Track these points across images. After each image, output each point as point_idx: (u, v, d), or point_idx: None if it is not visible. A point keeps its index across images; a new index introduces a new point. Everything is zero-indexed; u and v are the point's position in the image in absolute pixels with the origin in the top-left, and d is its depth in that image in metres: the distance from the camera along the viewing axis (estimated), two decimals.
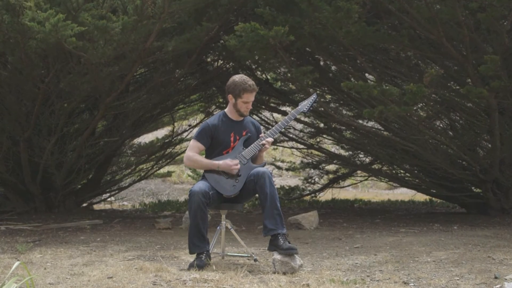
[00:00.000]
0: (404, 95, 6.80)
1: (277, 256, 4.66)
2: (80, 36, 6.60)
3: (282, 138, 11.24)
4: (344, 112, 9.72)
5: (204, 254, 4.82)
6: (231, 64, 9.70)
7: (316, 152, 11.68)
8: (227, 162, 4.91)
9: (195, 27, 7.48)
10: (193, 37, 7.47)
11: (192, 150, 5.01)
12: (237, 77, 5.03)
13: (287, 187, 12.52)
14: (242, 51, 7.18)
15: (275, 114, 11.08)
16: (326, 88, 9.29)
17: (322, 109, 8.31)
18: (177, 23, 7.46)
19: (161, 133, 12.75)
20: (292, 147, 11.88)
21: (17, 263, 3.22)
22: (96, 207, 11.09)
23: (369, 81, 8.21)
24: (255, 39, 6.95)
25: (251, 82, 5.00)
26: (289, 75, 7.80)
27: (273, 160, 13.88)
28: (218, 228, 5.07)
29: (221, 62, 9.84)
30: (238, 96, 4.98)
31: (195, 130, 9.91)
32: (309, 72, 7.33)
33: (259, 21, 7.24)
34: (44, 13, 6.29)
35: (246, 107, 5.03)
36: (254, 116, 10.37)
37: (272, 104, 10.58)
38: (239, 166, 4.90)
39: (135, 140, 11.36)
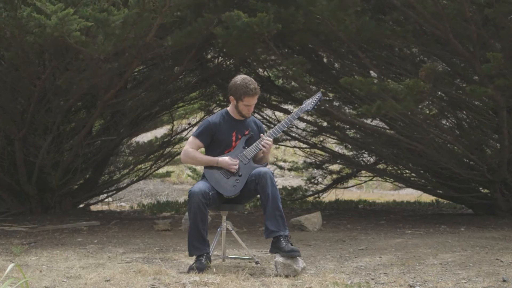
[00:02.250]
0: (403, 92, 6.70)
1: (279, 258, 4.61)
2: (83, 31, 6.55)
3: (284, 137, 11.18)
4: (348, 110, 9.61)
5: (204, 257, 4.76)
6: (231, 61, 9.61)
7: (319, 152, 11.64)
8: (226, 160, 4.84)
9: (195, 19, 7.40)
10: (194, 31, 7.39)
11: (190, 147, 4.95)
12: (239, 79, 4.93)
13: (289, 188, 12.47)
14: (230, 41, 7.10)
15: (277, 113, 11.01)
16: (329, 86, 9.20)
17: (327, 105, 8.21)
18: (176, 17, 7.40)
19: (160, 132, 12.74)
20: (294, 147, 11.84)
21: (11, 265, 3.19)
22: (93, 208, 11.12)
23: (374, 77, 8.10)
24: (241, 28, 6.87)
25: (252, 85, 4.88)
26: (290, 72, 7.68)
27: (275, 160, 13.84)
28: (218, 229, 5.01)
29: (222, 59, 9.75)
30: (239, 99, 4.91)
31: (195, 129, 9.86)
32: (300, 63, 7.22)
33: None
34: (53, 6, 6.25)
35: (248, 110, 4.97)
36: (256, 115, 10.29)
37: (273, 102, 10.50)
38: (237, 166, 4.82)
39: (133, 139, 11.33)
